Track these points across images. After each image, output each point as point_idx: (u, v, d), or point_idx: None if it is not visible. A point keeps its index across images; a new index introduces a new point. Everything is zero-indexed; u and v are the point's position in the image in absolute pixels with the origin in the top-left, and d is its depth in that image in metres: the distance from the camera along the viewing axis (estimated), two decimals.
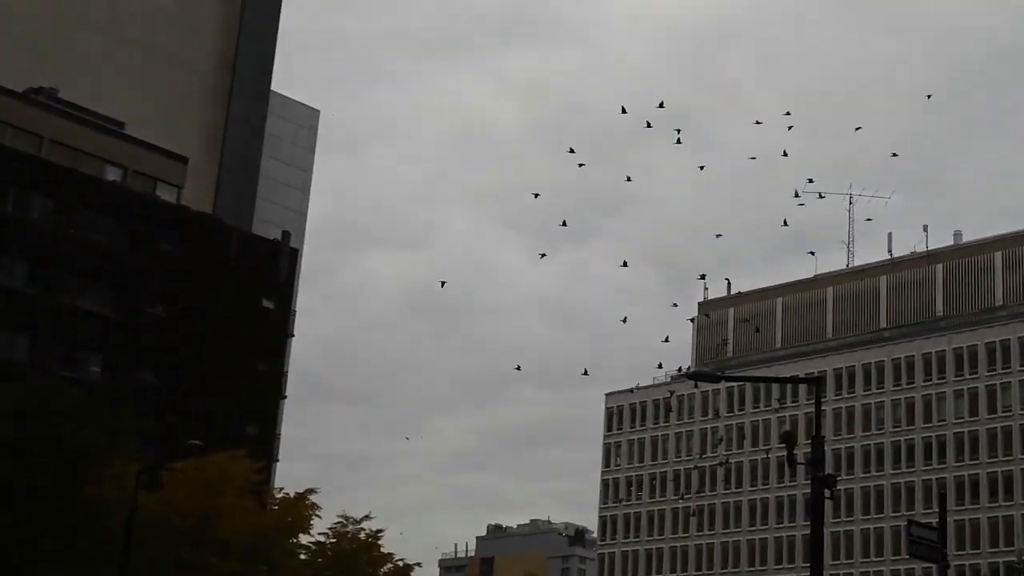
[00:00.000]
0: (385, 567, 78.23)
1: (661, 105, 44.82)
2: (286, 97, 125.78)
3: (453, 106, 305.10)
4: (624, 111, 45.56)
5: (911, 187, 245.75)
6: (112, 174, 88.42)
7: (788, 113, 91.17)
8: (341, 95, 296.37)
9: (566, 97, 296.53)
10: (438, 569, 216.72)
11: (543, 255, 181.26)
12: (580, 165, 64.25)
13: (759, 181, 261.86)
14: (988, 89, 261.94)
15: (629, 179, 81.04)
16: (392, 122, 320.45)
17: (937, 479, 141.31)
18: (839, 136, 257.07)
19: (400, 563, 78.80)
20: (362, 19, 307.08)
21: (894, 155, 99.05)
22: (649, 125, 42.53)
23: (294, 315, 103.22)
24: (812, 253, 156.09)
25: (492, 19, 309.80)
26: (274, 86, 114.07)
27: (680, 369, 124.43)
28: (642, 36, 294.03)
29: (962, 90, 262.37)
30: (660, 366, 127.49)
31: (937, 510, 42.01)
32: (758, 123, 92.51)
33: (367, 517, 77.51)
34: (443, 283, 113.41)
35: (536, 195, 70.66)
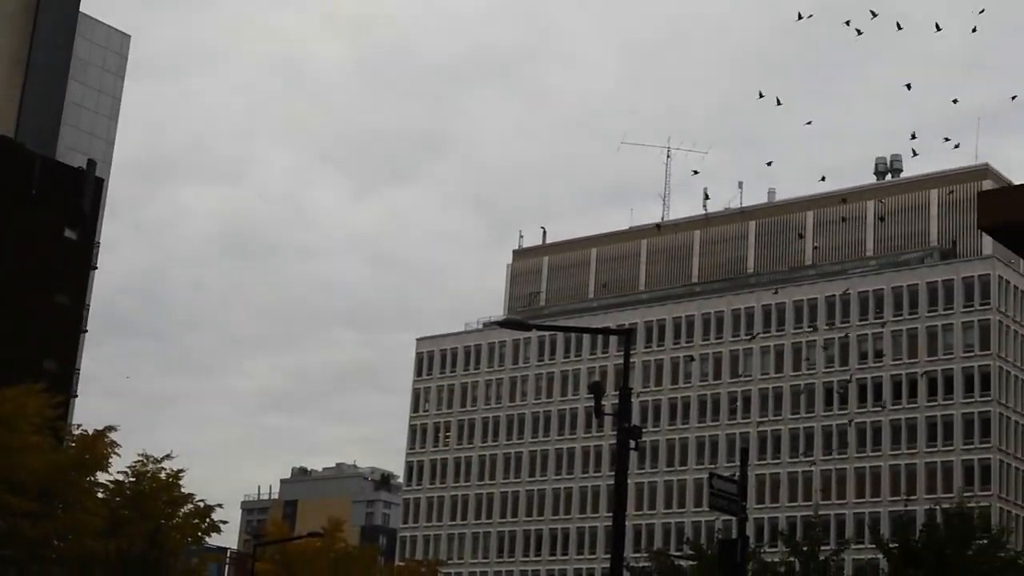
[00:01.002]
0: (185, 508, 76.68)
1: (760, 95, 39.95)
2: (95, 20, 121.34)
3: (275, 38, 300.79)
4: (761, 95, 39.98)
5: (730, 142, 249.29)
6: None
7: None
8: (157, 20, 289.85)
9: (393, 36, 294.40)
10: (240, 511, 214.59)
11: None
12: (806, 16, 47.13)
13: (583, 129, 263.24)
14: (811, 49, 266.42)
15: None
16: (211, 51, 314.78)
17: (741, 433, 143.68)
18: (664, 88, 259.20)
19: (201, 504, 77.34)
20: None
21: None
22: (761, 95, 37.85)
23: (98, 247, 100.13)
24: (663, 196, 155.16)
25: None
26: (83, 8, 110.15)
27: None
28: None
29: (785, 48, 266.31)
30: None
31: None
32: None
33: (168, 456, 75.80)
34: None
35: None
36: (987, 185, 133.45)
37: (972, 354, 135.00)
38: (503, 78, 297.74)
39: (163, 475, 74.91)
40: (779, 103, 39.83)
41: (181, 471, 75.67)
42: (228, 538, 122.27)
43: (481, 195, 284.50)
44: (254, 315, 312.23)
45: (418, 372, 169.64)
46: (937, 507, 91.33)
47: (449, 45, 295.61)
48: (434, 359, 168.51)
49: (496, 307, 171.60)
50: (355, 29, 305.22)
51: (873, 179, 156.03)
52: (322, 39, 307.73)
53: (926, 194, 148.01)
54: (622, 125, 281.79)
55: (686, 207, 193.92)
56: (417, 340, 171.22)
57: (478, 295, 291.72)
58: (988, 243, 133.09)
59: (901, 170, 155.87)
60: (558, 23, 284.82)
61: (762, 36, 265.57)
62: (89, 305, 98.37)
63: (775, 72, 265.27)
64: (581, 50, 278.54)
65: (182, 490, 75.99)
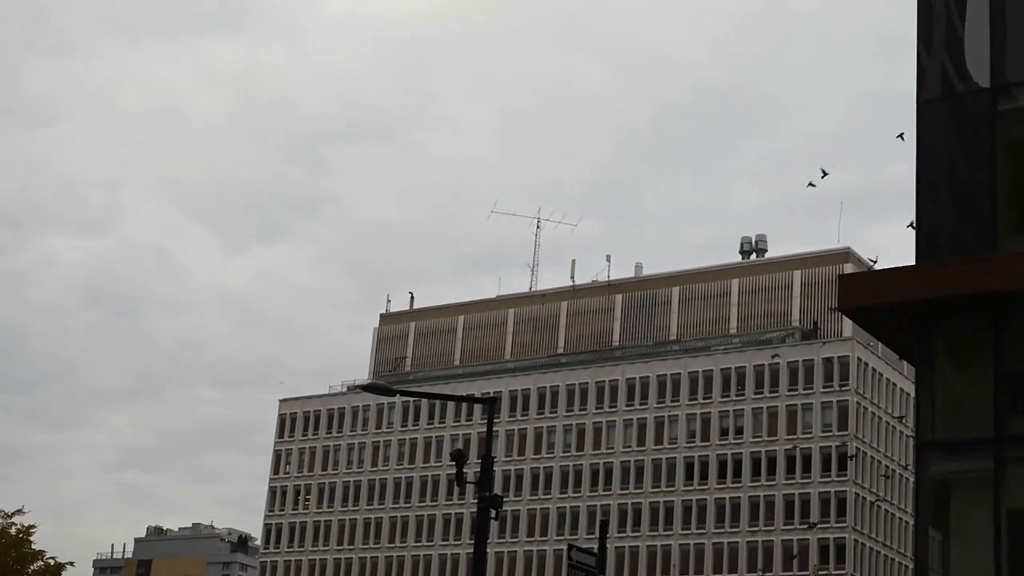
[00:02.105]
0: (35, 565, 75.29)
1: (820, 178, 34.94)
2: None
3: (152, 88, 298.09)
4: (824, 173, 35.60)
5: (601, 215, 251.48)
6: None
7: None
8: (32, 65, 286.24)
9: (270, 92, 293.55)
10: (92, 570, 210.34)
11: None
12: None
13: (457, 195, 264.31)
14: (685, 126, 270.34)
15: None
16: (87, 99, 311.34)
17: (602, 505, 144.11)
18: (539, 158, 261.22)
19: (51, 561, 75.97)
20: None
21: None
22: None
23: None
24: (531, 266, 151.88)
25: (201, 5, 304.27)
26: None
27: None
28: (352, 39, 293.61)
29: (660, 125, 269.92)
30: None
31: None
32: None
33: (19, 511, 74.59)
34: None
35: None
36: (848, 268, 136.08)
37: (830, 434, 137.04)
38: (380, 140, 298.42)
39: (13, 531, 73.54)
40: (824, 174, 36.28)
41: (32, 527, 74.40)
42: None
43: (353, 256, 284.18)
44: (117, 369, 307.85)
45: (280, 433, 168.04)
46: None
47: (328, 104, 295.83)
48: (297, 421, 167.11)
49: (362, 370, 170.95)
50: (233, 84, 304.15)
51: (738, 258, 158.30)
52: (199, 92, 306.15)
53: (789, 275, 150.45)
54: (496, 193, 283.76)
55: (554, 278, 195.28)
56: (280, 401, 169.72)
57: (345, 357, 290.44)
58: (848, 325, 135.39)
59: (766, 250, 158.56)
60: (438, 88, 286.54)
61: (639, 111, 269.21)
62: None
63: (650, 148, 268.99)
64: (459, 116, 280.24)
65: (32, 546, 74.68)
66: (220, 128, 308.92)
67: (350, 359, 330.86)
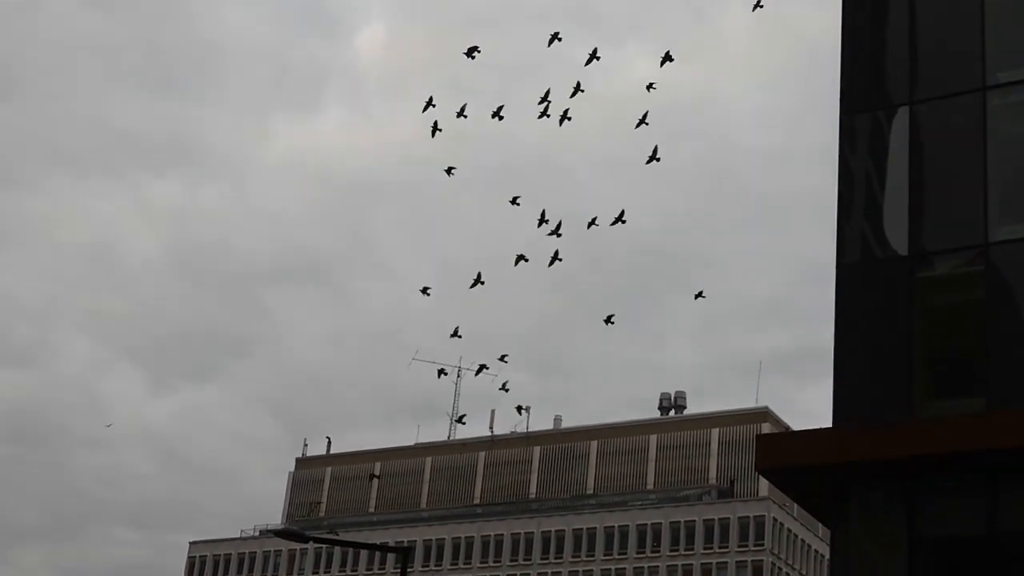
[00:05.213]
0: None
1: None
2: None
3: (86, 224, 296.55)
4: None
5: (526, 366, 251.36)
6: None
7: None
8: None
9: (208, 232, 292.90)
10: None
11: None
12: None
13: (386, 341, 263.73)
14: (615, 282, 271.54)
15: None
16: (18, 230, 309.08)
17: None
18: (471, 307, 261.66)
19: None
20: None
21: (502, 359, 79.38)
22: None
23: None
24: (461, 420, 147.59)
25: (141, 141, 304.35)
26: None
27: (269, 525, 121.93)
28: (292, 183, 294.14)
29: (591, 278, 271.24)
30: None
31: None
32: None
33: None
34: None
35: None
36: (766, 428, 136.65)
37: None
38: (316, 284, 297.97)
39: None
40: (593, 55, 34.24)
41: None
42: None
43: (280, 400, 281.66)
44: (31, 505, 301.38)
45: None
46: None
47: (265, 245, 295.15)
48: (207, 564, 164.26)
49: (276, 514, 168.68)
50: (171, 221, 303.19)
51: (657, 414, 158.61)
52: (136, 228, 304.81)
53: (707, 432, 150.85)
54: (426, 340, 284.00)
55: (474, 427, 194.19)
56: (190, 543, 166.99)
57: (261, 501, 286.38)
58: (765, 485, 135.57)
59: (685, 407, 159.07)
60: (376, 234, 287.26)
61: (573, 265, 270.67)
62: None
63: (581, 302, 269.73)
64: (396, 263, 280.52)
65: None
66: (155, 265, 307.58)
67: (266, 503, 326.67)
